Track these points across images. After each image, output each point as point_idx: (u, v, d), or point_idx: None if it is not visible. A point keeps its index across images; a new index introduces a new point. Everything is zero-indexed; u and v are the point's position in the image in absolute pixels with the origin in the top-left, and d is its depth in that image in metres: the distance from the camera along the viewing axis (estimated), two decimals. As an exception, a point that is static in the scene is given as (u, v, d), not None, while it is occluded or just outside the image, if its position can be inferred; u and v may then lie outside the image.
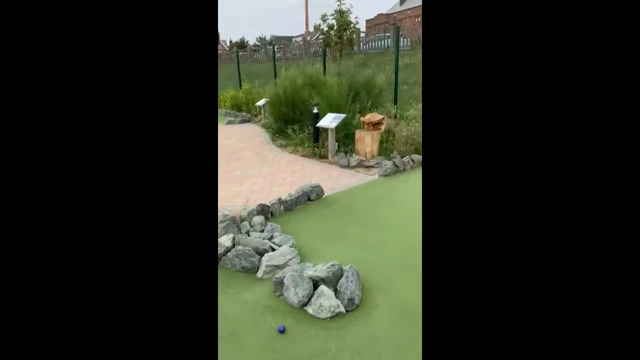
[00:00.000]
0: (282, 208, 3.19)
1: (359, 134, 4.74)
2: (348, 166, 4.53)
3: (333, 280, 1.99)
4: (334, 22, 7.61)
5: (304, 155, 5.20)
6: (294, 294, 1.91)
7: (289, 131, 5.76)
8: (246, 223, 2.80)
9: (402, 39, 11.01)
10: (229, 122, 8.39)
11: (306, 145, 5.37)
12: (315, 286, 1.97)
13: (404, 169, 4.23)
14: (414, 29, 14.70)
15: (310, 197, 3.38)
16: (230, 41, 41.70)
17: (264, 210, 3.00)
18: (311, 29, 25.35)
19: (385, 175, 4.06)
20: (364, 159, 4.58)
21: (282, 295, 1.99)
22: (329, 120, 4.77)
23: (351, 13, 7.92)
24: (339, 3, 8.30)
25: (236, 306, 1.95)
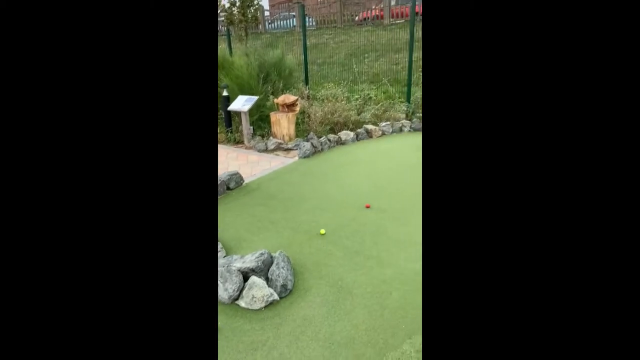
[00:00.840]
0: (199, 200, 2.96)
1: (274, 116, 4.63)
2: (266, 150, 4.41)
3: (264, 269, 1.94)
4: (235, -2, 7.16)
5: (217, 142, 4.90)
6: (224, 290, 1.80)
7: (198, 117, 5.34)
8: (160, 221, 2.53)
9: (307, 18, 10.99)
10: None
11: (219, 130, 5.07)
12: (246, 278, 1.89)
13: (322, 149, 4.30)
14: (317, 8, 14.78)
15: (230, 185, 3.21)
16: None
17: (179, 205, 2.75)
18: (211, 6, 23.52)
19: (305, 157, 4.07)
20: (282, 141, 4.52)
21: (211, 293, 1.86)
22: (241, 103, 4.54)
23: (252, -11, 7.54)
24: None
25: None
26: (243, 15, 7.07)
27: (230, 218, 2.73)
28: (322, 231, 2.45)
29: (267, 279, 1.91)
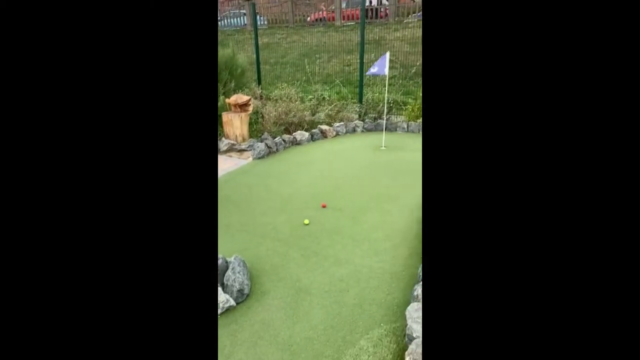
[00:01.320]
0: (147, 206, 2.79)
1: (226, 116, 4.50)
2: (219, 151, 4.27)
3: (219, 276, 1.87)
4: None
5: (165, 144, 4.65)
6: (176, 300, 1.72)
7: (144, 117, 5.03)
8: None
9: (258, 17, 10.81)
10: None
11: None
12: (200, 286, 1.81)
13: (276, 150, 4.26)
14: (269, 7, 14.61)
15: (180, 189, 3.06)
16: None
17: (124, 212, 2.57)
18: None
19: (259, 158, 4.00)
20: (235, 142, 4.40)
21: (161, 304, 1.76)
22: (191, 103, 4.35)
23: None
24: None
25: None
26: (190, 11, 6.78)
27: (181, 223, 2.60)
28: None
29: (222, 285, 1.85)
